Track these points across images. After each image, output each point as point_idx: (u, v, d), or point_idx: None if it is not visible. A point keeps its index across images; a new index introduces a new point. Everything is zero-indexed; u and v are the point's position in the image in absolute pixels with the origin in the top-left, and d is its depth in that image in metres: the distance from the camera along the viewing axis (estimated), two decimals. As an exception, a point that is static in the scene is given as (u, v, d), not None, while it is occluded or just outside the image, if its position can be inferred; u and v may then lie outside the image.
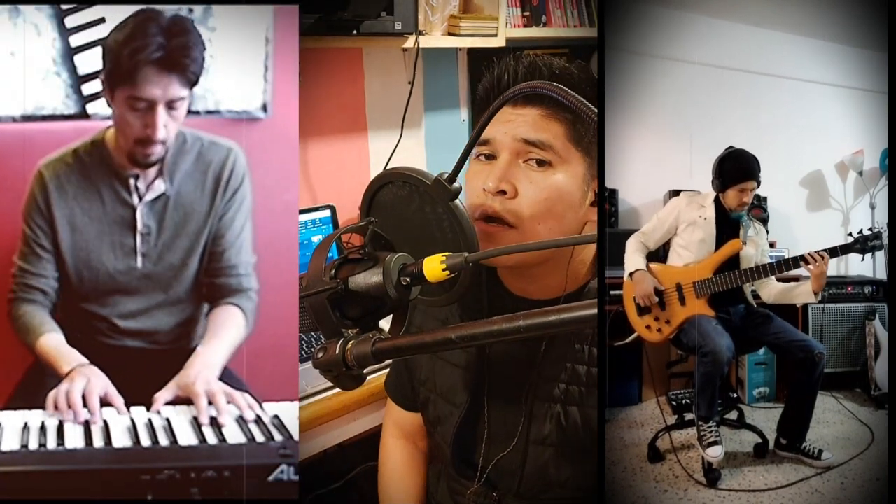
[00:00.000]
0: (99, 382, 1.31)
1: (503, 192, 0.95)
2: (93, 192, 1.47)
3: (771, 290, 2.10)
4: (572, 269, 1.02)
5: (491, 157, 0.99)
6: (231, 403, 1.33)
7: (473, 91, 2.55)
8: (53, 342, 1.41)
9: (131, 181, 1.47)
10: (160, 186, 1.48)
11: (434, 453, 1.29)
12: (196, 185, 1.51)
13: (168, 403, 1.34)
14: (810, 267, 1.92)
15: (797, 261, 1.94)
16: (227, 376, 1.46)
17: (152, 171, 1.47)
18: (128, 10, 1.38)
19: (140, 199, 1.48)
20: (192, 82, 1.36)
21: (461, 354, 1.09)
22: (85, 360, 1.36)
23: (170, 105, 1.35)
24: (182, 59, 1.32)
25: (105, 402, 1.30)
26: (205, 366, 1.39)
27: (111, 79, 1.35)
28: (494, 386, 1.08)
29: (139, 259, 1.50)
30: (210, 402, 1.32)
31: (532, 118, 0.96)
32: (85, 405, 1.27)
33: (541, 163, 0.96)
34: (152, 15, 1.33)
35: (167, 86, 1.33)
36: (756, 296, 2.14)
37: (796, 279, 2.09)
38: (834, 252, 1.93)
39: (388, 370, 1.34)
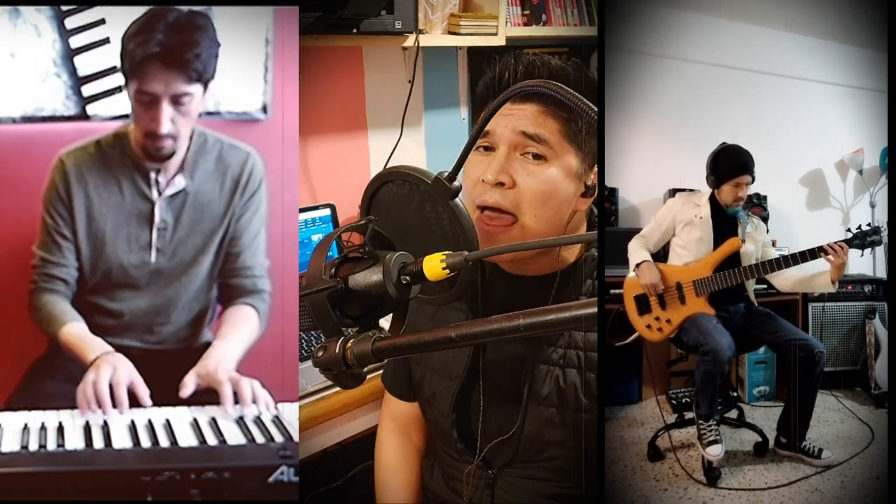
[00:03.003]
0: (125, 372, 1.30)
1: (501, 184, 1.00)
2: (112, 183, 1.47)
3: (786, 279, 2.09)
4: (564, 249, 1.08)
5: (489, 148, 1.04)
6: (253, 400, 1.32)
7: (473, 90, 2.55)
8: (77, 331, 1.40)
9: (152, 175, 1.46)
10: (180, 182, 1.48)
11: (428, 445, 1.30)
12: (215, 184, 1.51)
13: (190, 400, 1.33)
14: (830, 258, 1.91)
15: (814, 252, 1.92)
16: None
17: (173, 167, 1.47)
18: (127, 12, 1.38)
19: (160, 193, 1.48)
20: (197, 78, 1.35)
21: None
22: (109, 348, 1.35)
23: (175, 100, 1.36)
24: (183, 55, 1.32)
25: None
26: (222, 358, 1.38)
27: (124, 72, 1.37)
28: (490, 356, 1.11)
29: (153, 254, 1.50)
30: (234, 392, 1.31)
31: (531, 113, 1.00)
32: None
33: (537, 156, 1.01)
34: (163, 11, 1.33)
35: (169, 81, 1.33)
36: (766, 289, 2.12)
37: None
38: None
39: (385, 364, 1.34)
